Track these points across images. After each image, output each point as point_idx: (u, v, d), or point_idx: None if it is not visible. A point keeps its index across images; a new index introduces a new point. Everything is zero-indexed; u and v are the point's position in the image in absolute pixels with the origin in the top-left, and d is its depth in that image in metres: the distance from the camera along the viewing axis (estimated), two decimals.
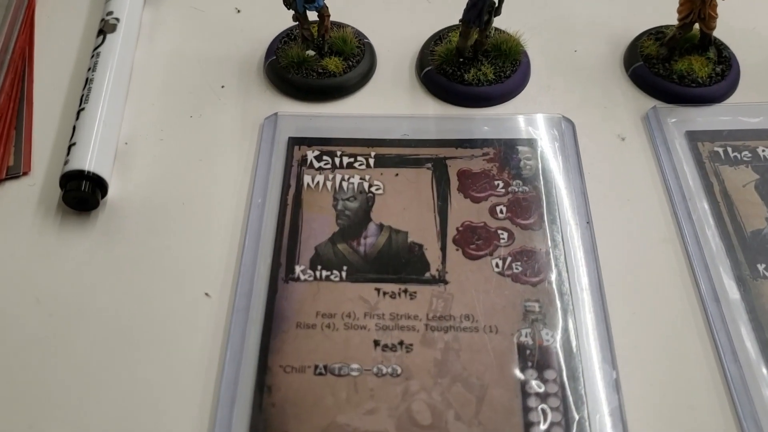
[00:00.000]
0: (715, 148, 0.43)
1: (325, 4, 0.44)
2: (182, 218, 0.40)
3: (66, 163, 0.40)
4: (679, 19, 0.45)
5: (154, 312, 0.37)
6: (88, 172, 0.40)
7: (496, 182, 0.41)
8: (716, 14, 0.44)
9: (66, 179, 0.40)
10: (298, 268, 0.38)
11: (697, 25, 0.45)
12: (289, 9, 0.44)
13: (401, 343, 0.35)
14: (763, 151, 0.43)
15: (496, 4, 0.43)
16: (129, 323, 0.36)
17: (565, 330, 0.36)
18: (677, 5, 0.45)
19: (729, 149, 0.43)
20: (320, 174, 0.42)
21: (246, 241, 0.39)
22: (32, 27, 0.50)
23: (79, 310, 0.37)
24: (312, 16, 0.45)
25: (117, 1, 0.49)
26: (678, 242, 0.39)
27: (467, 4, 0.43)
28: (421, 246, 0.39)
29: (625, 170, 0.42)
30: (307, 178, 0.41)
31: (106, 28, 0.47)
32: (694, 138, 0.43)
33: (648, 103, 0.45)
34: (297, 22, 0.45)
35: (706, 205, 0.40)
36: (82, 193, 0.39)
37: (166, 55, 0.49)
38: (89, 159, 0.40)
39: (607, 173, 0.42)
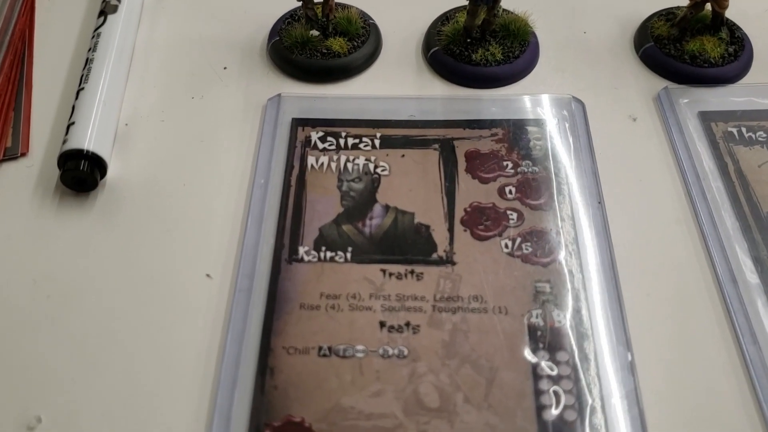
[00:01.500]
0: (729, 129, 0.42)
1: None
2: (183, 200, 0.39)
3: (64, 142, 0.39)
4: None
5: (154, 294, 0.36)
6: (87, 151, 0.39)
7: (504, 163, 0.40)
8: None
9: (64, 159, 0.39)
10: (301, 249, 0.37)
11: (708, 5, 0.45)
12: None
13: (408, 324, 0.34)
14: None
15: None
16: (128, 305, 0.35)
17: (577, 311, 0.35)
18: None
19: (743, 129, 0.42)
20: (324, 155, 0.41)
21: (248, 222, 0.38)
22: (33, 9, 0.49)
23: (76, 291, 0.36)
24: None
25: None
26: (692, 223, 0.38)
27: None
28: (428, 227, 0.38)
29: (636, 151, 0.41)
30: (311, 159, 0.41)
31: (107, 9, 0.46)
32: (707, 118, 0.42)
33: (659, 83, 0.44)
34: (301, 2, 0.44)
35: (720, 185, 0.39)
36: (80, 173, 0.39)
37: (168, 37, 0.48)
38: (88, 138, 0.39)
39: (618, 154, 0.41)
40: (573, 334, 0.34)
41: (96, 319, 0.35)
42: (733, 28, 0.46)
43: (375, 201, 0.39)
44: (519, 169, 0.40)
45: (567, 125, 0.42)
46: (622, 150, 0.41)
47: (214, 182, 0.40)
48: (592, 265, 0.36)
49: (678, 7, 0.47)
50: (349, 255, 0.37)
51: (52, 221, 0.39)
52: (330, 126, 0.42)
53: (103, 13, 0.46)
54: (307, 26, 0.45)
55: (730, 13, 0.45)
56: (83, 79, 0.42)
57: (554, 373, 0.33)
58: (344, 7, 0.47)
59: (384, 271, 0.36)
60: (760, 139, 0.41)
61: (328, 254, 0.37)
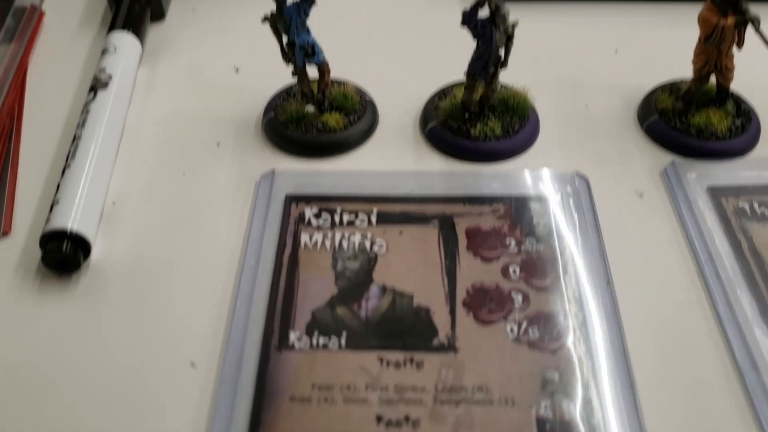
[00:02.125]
0: (741, 204, 0.40)
1: (325, 59, 0.43)
2: (169, 282, 0.37)
3: (47, 222, 0.38)
4: (695, 71, 0.43)
5: (136, 384, 0.33)
6: (71, 231, 0.37)
7: (507, 240, 0.38)
8: (733, 66, 0.42)
9: (46, 239, 0.37)
10: (292, 335, 0.35)
11: (713, 78, 0.44)
12: (288, 64, 0.42)
13: (407, 418, 0.32)
14: None
15: (502, 57, 0.41)
16: (108, 395, 0.33)
17: (588, 402, 0.32)
18: (690, 58, 0.43)
19: (756, 204, 0.40)
20: (319, 232, 0.39)
21: (237, 306, 0.36)
22: (23, 84, 0.48)
23: (54, 380, 0.33)
24: (312, 72, 0.44)
25: (111, 57, 0.47)
26: (707, 304, 0.36)
27: (472, 56, 0.41)
28: (428, 310, 0.36)
29: (645, 228, 0.40)
30: (304, 237, 0.39)
31: (97, 85, 0.45)
32: (716, 193, 0.41)
33: (665, 157, 0.43)
34: (296, 78, 0.43)
35: (735, 264, 0.37)
36: (62, 255, 0.37)
37: (161, 113, 0.47)
38: (72, 218, 0.38)
39: (626, 231, 0.39)
40: (584, 427, 0.31)
41: (74, 410, 0.32)
42: (738, 100, 0.45)
43: (371, 281, 0.37)
44: (522, 247, 0.38)
45: (571, 201, 0.40)
46: (630, 227, 0.40)
47: (202, 263, 0.38)
48: (602, 350, 0.34)
49: (682, 80, 0.46)
50: (343, 341, 0.34)
51: (32, 305, 0.37)
52: (325, 202, 0.40)
53: (94, 89, 0.45)
54: (302, 102, 0.44)
55: (734, 86, 0.44)
56: (70, 156, 0.41)
57: None
58: (340, 83, 0.46)
59: (381, 359, 0.34)
60: None
61: (321, 340, 0.34)
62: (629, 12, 0.53)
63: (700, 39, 0.42)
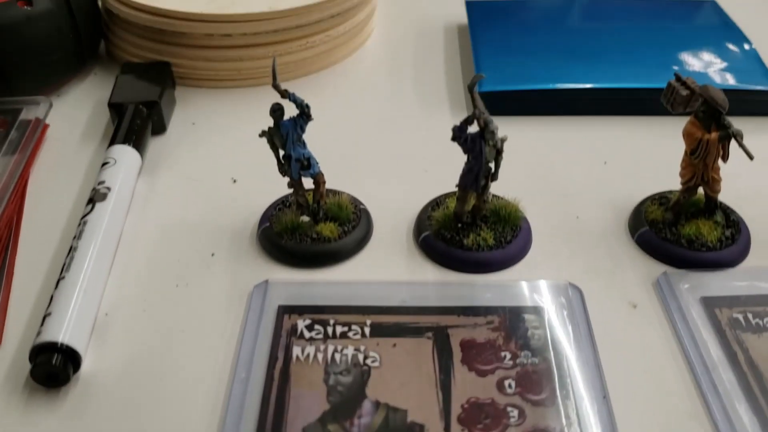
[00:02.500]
0: (735, 315, 0.40)
1: (320, 170, 0.44)
2: (159, 396, 0.37)
3: (39, 334, 0.38)
4: (682, 183, 0.44)
5: None
6: (61, 344, 0.37)
7: (502, 353, 0.38)
8: (719, 177, 0.43)
9: (36, 352, 0.37)
10: None
11: (701, 189, 0.44)
12: (284, 176, 0.43)
13: None
14: None
15: (493, 169, 0.42)
16: None
17: None
18: (677, 170, 0.44)
19: (750, 315, 0.40)
20: (311, 345, 0.39)
21: (226, 422, 0.35)
22: (23, 195, 0.49)
23: None
24: (308, 183, 0.44)
25: (110, 170, 0.48)
26: (706, 418, 0.35)
27: (463, 169, 0.42)
28: (422, 426, 0.35)
29: (640, 339, 0.39)
30: (296, 350, 0.38)
31: (96, 197, 0.46)
32: (710, 304, 0.41)
33: (657, 268, 0.43)
34: (292, 189, 0.44)
35: (732, 377, 0.37)
36: (52, 367, 0.36)
37: (157, 224, 0.47)
38: (64, 330, 0.37)
39: (621, 343, 0.39)
40: None
41: None
42: (727, 211, 0.45)
43: (364, 396, 0.36)
44: (518, 361, 0.38)
45: (565, 313, 0.40)
46: (625, 339, 0.39)
47: (193, 376, 0.38)
48: None
49: (671, 192, 0.47)
50: None
51: (17, 421, 0.36)
52: (318, 313, 0.40)
53: (92, 201, 0.45)
54: (297, 212, 0.45)
55: (723, 197, 0.45)
56: (65, 267, 0.41)
57: None
58: (335, 193, 0.47)
59: None
60: (766, 325, 0.39)
61: None
62: (617, 125, 0.55)
63: (686, 152, 0.43)
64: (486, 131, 0.40)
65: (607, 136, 0.54)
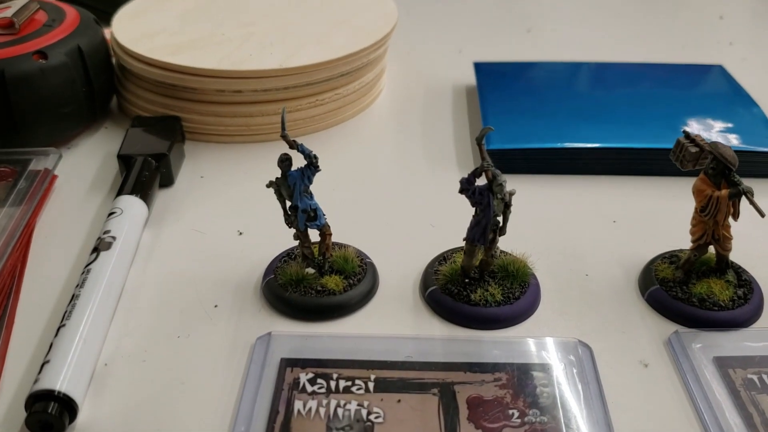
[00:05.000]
0: (749, 376, 0.39)
1: (326, 222, 0.43)
2: None
3: (36, 381, 0.37)
4: (693, 241, 0.43)
5: None
6: (58, 392, 0.36)
7: (510, 411, 0.37)
8: (730, 235, 0.43)
9: (33, 400, 0.36)
10: None
11: (712, 248, 0.44)
12: (290, 227, 0.43)
13: None
14: None
15: (501, 224, 0.41)
16: None
17: None
18: (688, 228, 0.44)
19: (765, 377, 0.39)
20: (313, 399, 0.38)
21: None
22: (28, 244, 0.49)
23: None
24: (314, 236, 0.44)
25: (116, 220, 0.48)
26: None
27: (471, 223, 0.42)
28: None
29: (651, 399, 0.38)
30: (298, 404, 0.37)
31: (101, 246, 0.45)
32: (723, 364, 0.40)
33: (668, 327, 0.42)
34: (298, 241, 0.44)
35: None
36: (48, 416, 0.35)
37: (161, 275, 0.47)
38: (61, 379, 0.37)
39: (632, 402, 0.38)
40: None
41: None
42: (739, 270, 0.45)
43: None
44: (526, 419, 0.37)
45: (575, 371, 0.39)
46: (636, 399, 0.38)
47: (191, 429, 0.37)
48: None
49: (681, 250, 0.46)
50: None
51: None
52: (321, 366, 0.39)
53: (97, 250, 0.45)
54: (303, 264, 0.44)
55: (734, 256, 0.44)
56: (66, 315, 0.40)
57: None
58: (341, 245, 0.46)
59: None
60: None
61: None
62: (626, 185, 0.55)
63: (696, 210, 0.43)
64: (494, 183, 0.40)
65: (615, 196, 0.54)
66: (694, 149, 0.42)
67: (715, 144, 0.41)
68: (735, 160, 0.41)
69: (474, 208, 0.41)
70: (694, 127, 0.58)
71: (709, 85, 0.66)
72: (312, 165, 0.41)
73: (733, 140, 0.56)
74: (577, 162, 0.56)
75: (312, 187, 0.43)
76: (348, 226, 0.48)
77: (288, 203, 0.43)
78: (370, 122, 0.65)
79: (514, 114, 0.60)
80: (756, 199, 0.40)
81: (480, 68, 0.67)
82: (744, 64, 0.72)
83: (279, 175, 0.42)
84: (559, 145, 0.56)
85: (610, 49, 0.77)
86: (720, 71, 0.68)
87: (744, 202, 0.41)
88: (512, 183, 0.41)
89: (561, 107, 0.60)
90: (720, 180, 0.41)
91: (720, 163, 0.41)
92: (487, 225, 0.41)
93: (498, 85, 0.64)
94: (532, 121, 0.58)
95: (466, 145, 0.60)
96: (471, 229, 0.42)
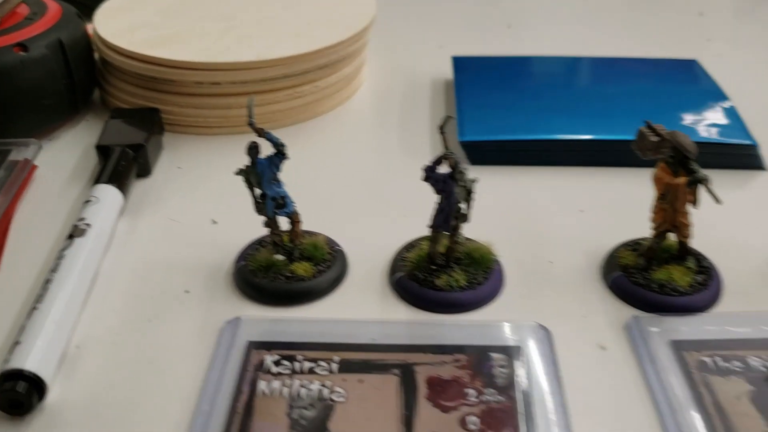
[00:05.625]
0: (703, 358, 0.40)
1: (295, 210, 0.44)
2: (122, 427, 0.37)
3: (6, 362, 0.38)
4: (654, 229, 0.44)
5: None
6: (28, 372, 0.37)
7: (467, 390, 0.38)
8: (689, 222, 0.44)
9: (2, 379, 0.37)
10: None
11: (674, 236, 0.45)
12: (260, 214, 0.44)
13: None
14: (755, 361, 0.40)
15: (464, 210, 0.42)
16: None
17: None
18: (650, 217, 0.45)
19: (718, 359, 0.40)
20: (277, 379, 0.39)
21: None
22: (6, 234, 0.50)
23: None
24: (286, 225, 0.45)
25: (92, 208, 0.49)
26: None
27: (435, 210, 0.43)
28: None
29: (607, 381, 0.39)
30: (262, 384, 0.38)
31: (75, 233, 0.46)
32: (679, 347, 0.41)
33: (628, 312, 0.43)
34: (268, 228, 0.45)
35: (697, 419, 0.36)
36: (16, 395, 0.36)
37: (135, 262, 0.48)
38: (30, 358, 0.38)
39: (588, 384, 0.39)
40: None
41: None
42: (699, 257, 0.46)
43: (327, 430, 0.36)
44: (482, 398, 0.38)
45: (533, 353, 0.40)
46: (593, 380, 0.39)
47: (158, 409, 0.38)
48: None
49: (644, 238, 0.47)
50: None
51: None
52: (287, 349, 0.40)
53: (72, 236, 0.46)
54: (272, 251, 0.45)
55: (696, 242, 0.45)
56: (38, 299, 0.41)
57: None
58: (312, 233, 0.47)
59: None
60: (736, 369, 0.39)
61: None
62: (594, 175, 0.56)
63: (656, 198, 0.44)
64: (456, 171, 0.41)
65: (584, 186, 0.55)
66: (654, 138, 0.43)
67: (673, 133, 0.42)
68: (693, 149, 0.42)
69: (438, 196, 0.42)
70: (663, 119, 0.58)
71: (682, 80, 0.67)
72: (280, 153, 0.42)
73: (702, 132, 0.57)
74: (548, 153, 0.57)
75: (288, 177, 0.44)
76: (322, 215, 0.49)
77: (258, 191, 0.44)
78: (349, 115, 0.66)
79: (488, 107, 0.61)
80: (724, 191, 0.41)
81: (458, 62, 0.68)
82: (720, 59, 0.73)
83: (248, 163, 0.43)
84: (530, 137, 0.57)
85: (589, 45, 0.78)
86: (694, 66, 0.69)
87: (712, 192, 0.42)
88: (485, 174, 0.42)
89: (535, 101, 0.61)
90: (679, 168, 0.42)
91: (678, 152, 0.42)
92: (449, 212, 0.42)
93: (475, 78, 0.65)
94: (505, 114, 0.59)
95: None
96: (435, 217, 0.43)
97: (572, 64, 0.69)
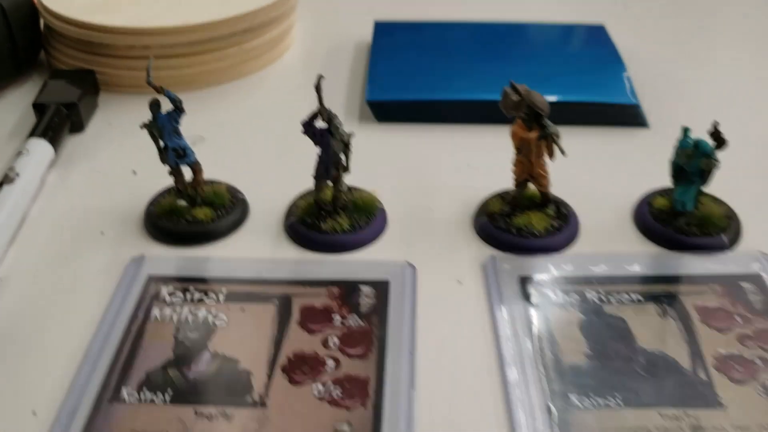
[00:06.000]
0: (544, 291, 0.46)
1: (196, 160, 0.50)
2: (32, 345, 0.43)
3: None
4: (515, 180, 0.50)
5: None
6: None
7: (334, 316, 0.44)
8: (546, 173, 0.49)
9: None
10: (125, 390, 0.39)
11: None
12: (164, 164, 0.49)
13: None
14: (591, 294, 0.45)
15: (343, 161, 0.48)
16: None
17: None
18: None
19: (558, 292, 0.46)
20: (169, 307, 0.44)
21: (83, 364, 0.41)
22: None
23: None
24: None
25: (23, 159, 0.54)
26: (497, 375, 0.41)
27: (316, 161, 0.48)
28: (249, 373, 0.41)
29: (457, 310, 0.45)
30: (155, 312, 0.44)
31: (5, 181, 0.52)
32: (525, 283, 0.46)
33: (490, 253, 0.49)
34: (173, 177, 0.50)
35: (528, 342, 0.42)
36: None
37: (61, 208, 0.53)
38: None
39: (440, 312, 0.45)
40: None
41: None
42: (560, 205, 0.51)
43: (205, 349, 0.42)
44: (346, 323, 0.43)
45: (397, 286, 0.46)
46: (445, 309, 0.45)
47: (67, 330, 0.43)
48: (390, 408, 0.38)
49: (511, 188, 0.53)
50: (168, 397, 0.39)
51: None
52: (182, 282, 0.46)
53: (1, 184, 0.52)
54: (176, 197, 0.51)
55: (566, 193, 0.51)
56: None
57: None
58: (214, 182, 0.53)
59: (197, 412, 0.38)
60: (571, 300, 0.45)
61: (149, 396, 0.39)
62: (487, 132, 0.61)
63: (515, 152, 0.49)
64: (331, 126, 0.46)
65: (476, 143, 0.60)
66: (515, 98, 0.48)
67: (529, 92, 0.47)
68: (545, 106, 0.47)
69: (318, 148, 0.48)
70: (559, 82, 0.64)
71: (585, 44, 0.72)
72: (177, 108, 0.47)
73: (590, 93, 0.62)
74: (445, 113, 0.62)
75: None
76: (234, 167, 0.55)
77: (161, 143, 0.49)
78: (274, 76, 0.71)
79: (398, 69, 0.66)
80: (605, 146, 0.46)
81: (378, 27, 0.73)
82: (629, 24, 0.78)
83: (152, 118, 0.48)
84: (430, 97, 0.62)
85: (518, 10, 0.82)
86: (601, 32, 0.73)
87: (582, 148, 0.47)
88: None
89: (443, 64, 0.66)
90: (532, 124, 0.47)
91: (532, 110, 0.47)
92: (329, 163, 0.47)
93: (391, 42, 0.70)
94: (412, 76, 0.64)
95: (356, 99, 0.66)
96: (317, 167, 0.48)
97: (485, 29, 0.73)
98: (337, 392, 0.39)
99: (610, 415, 0.38)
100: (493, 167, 0.57)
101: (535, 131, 0.47)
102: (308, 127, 0.46)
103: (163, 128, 0.48)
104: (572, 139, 0.50)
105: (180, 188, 0.50)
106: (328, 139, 0.46)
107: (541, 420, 0.38)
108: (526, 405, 0.39)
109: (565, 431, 0.38)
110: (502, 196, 0.52)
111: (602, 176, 0.56)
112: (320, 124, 0.47)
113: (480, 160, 0.58)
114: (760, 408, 0.39)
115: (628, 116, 0.62)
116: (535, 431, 0.38)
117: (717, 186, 0.50)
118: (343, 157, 0.48)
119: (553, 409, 0.39)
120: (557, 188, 0.51)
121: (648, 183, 0.54)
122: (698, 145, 0.46)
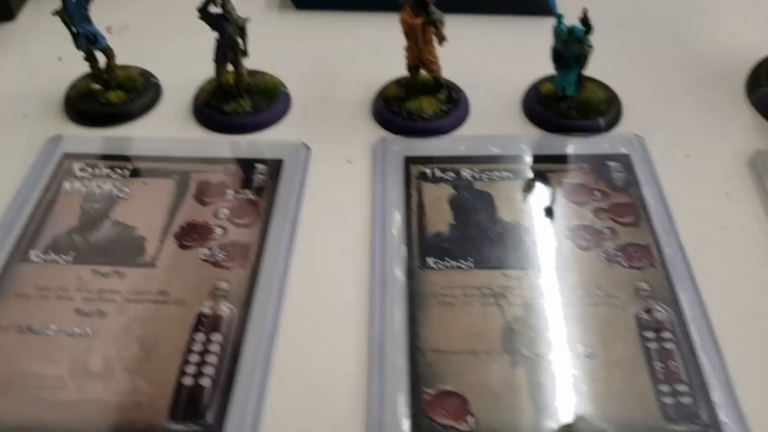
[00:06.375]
0: (424, 170, 0.50)
1: (107, 45, 0.53)
2: None
3: None
4: (407, 65, 0.53)
5: None
6: None
7: (227, 191, 0.48)
8: (434, 58, 0.52)
9: None
10: (32, 252, 0.44)
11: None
12: (78, 49, 0.53)
13: (99, 311, 0.41)
14: (466, 172, 0.49)
15: (241, 45, 0.51)
16: None
17: (247, 305, 0.42)
18: None
19: (436, 170, 0.50)
20: (79, 182, 0.49)
21: None
22: None
23: None
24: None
25: None
26: (367, 241, 0.45)
27: (215, 46, 0.51)
28: (144, 238, 0.45)
29: (344, 187, 0.49)
30: (66, 185, 0.49)
31: None
32: (409, 162, 0.50)
33: (382, 135, 0.53)
34: (87, 62, 0.53)
35: (399, 213, 0.47)
36: None
37: None
38: None
39: (327, 188, 0.49)
40: (235, 322, 0.41)
41: None
42: (452, 90, 0.54)
43: (108, 217, 0.47)
44: (238, 196, 0.48)
45: (291, 164, 0.50)
46: (332, 186, 0.49)
47: None
48: (268, 270, 0.43)
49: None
50: (70, 258, 0.44)
51: None
52: (93, 160, 0.50)
53: None
54: (90, 80, 0.54)
55: (460, 80, 0.54)
56: None
57: (204, 348, 0.39)
58: (128, 67, 0.56)
59: (95, 271, 0.43)
60: (447, 178, 0.49)
61: (54, 257, 0.44)
62: (390, 20, 0.62)
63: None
64: (225, 11, 0.49)
65: (387, 30, 0.61)
66: None
67: None
68: None
69: (216, 33, 0.51)
70: None
71: None
72: None
73: None
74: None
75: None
76: (151, 52, 0.58)
77: (74, 29, 0.52)
78: None
79: None
80: (512, 34, 0.49)
81: None
82: None
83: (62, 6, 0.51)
84: None
85: None
86: None
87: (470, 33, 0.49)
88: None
89: None
90: (419, 11, 0.50)
91: None
92: (226, 47, 0.50)
93: None
94: None
95: None
96: (216, 51, 0.51)
97: None
98: (221, 255, 0.44)
99: (460, 275, 0.43)
100: (400, 55, 0.60)
101: (421, 17, 0.50)
102: (203, 13, 0.49)
103: (74, 15, 0.51)
104: (478, 27, 0.53)
105: (96, 73, 0.54)
106: (223, 24, 0.49)
107: (396, 275, 0.43)
108: (385, 262, 0.44)
109: (414, 286, 0.42)
110: (399, 82, 0.55)
111: (501, 63, 0.59)
112: (215, 9, 0.49)
113: (389, 48, 0.61)
114: (598, 270, 0.44)
115: (534, 4, 0.64)
116: (390, 283, 0.43)
117: (605, 72, 0.53)
118: (240, 41, 0.51)
119: (408, 267, 0.43)
120: (455, 74, 0.55)
121: (545, 70, 0.57)
122: (572, 31, 0.49)
